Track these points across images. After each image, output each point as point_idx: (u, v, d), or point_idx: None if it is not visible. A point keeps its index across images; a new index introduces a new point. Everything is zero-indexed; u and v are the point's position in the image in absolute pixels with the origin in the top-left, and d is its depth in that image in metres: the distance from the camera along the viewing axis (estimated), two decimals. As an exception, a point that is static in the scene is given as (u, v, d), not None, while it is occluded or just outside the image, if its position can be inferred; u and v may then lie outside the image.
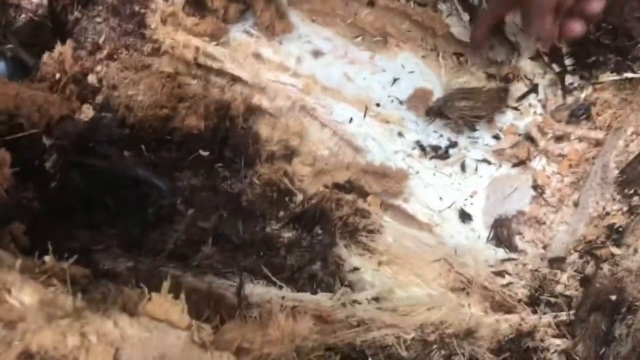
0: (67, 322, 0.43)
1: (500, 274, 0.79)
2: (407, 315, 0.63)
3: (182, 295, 0.47)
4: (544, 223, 0.83)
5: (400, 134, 0.93)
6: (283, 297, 0.66)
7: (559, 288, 0.74)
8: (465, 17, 0.94)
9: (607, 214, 0.75)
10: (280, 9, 1.00)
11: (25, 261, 0.46)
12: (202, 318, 0.50)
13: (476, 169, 0.89)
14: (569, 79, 0.88)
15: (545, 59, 0.90)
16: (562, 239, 0.80)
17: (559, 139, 0.87)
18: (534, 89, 0.89)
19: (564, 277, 0.74)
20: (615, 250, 0.71)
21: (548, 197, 0.85)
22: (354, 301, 0.69)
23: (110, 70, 0.94)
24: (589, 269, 0.72)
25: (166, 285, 0.48)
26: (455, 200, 0.87)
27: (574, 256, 0.75)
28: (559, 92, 0.88)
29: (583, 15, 0.75)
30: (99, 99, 0.94)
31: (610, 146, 0.80)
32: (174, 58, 0.95)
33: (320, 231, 0.80)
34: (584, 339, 0.66)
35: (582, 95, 0.87)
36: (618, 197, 0.75)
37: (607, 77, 0.85)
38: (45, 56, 0.94)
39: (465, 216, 0.86)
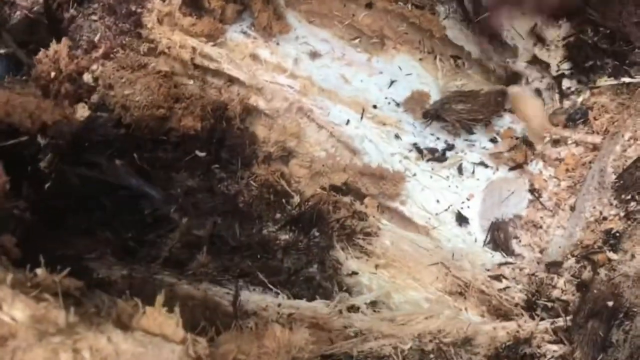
0: (60, 339, 0.42)
1: (497, 278, 0.79)
2: (405, 325, 0.63)
3: (177, 309, 0.46)
4: (541, 227, 0.84)
5: (397, 136, 0.93)
6: (279, 305, 0.66)
7: (555, 293, 0.74)
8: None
9: (605, 218, 0.75)
10: (277, 10, 0.99)
11: (16, 275, 0.45)
12: (198, 328, 0.49)
13: (473, 172, 0.89)
14: (566, 83, 0.88)
15: (543, 62, 0.89)
16: (558, 243, 0.80)
17: (556, 142, 0.87)
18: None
19: (560, 282, 0.74)
20: (612, 255, 0.71)
21: (545, 201, 0.85)
22: (352, 307, 0.69)
23: (106, 70, 0.93)
24: (586, 274, 0.72)
25: (160, 299, 0.47)
26: (452, 203, 0.87)
27: (571, 261, 0.75)
28: (556, 96, 0.88)
29: None
30: (95, 98, 0.93)
31: (607, 151, 0.80)
32: (170, 58, 0.94)
33: (317, 234, 0.80)
34: (581, 345, 0.66)
35: (580, 100, 0.87)
36: (615, 202, 0.75)
37: (605, 81, 0.85)
38: (40, 54, 0.93)
39: (462, 219, 0.86)
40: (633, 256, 0.69)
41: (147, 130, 0.89)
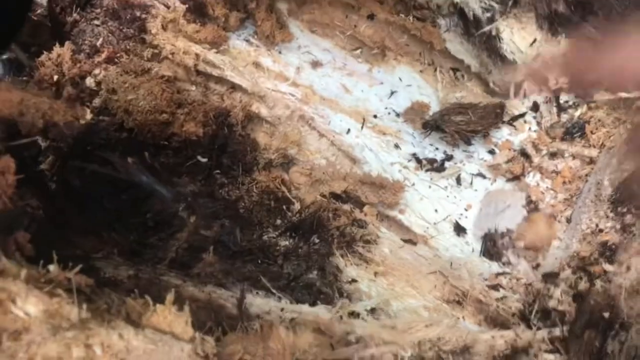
0: (72, 334, 0.42)
1: (495, 287, 0.80)
2: (405, 332, 0.63)
3: (187, 307, 0.47)
4: (537, 238, 0.85)
5: (396, 146, 0.94)
6: (282, 309, 0.67)
7: (552, 303, 0.75)
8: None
9: (600, 231, 0.76)
10: (280, 19, 1.01)
11: (30, 270, 0.46)
12: (205, 329, 0.50)
13: (471, 183, 0.90)
14: (563, 97, 0.90)
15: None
16: (555, 255, 0.81)
17: (553, 155, 0.88)
18: (533, 107, 0.91)
19: (557, 293, 0.75)
20: (608, 267, 0.73)
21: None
22: (352, 313, 0.70)
23: (109, 74, 0.94)
24: (582, 285, 0.73)
25: (170, 297, 0.48)
26: (450, 213, 0.88)
27: (567, 272, 0.76)
28: (554, 110, 0.90)
29: None
30: (97, 102, 0.94)
31: (603, 164, 0.82)
32: (174, 64, 0.95)
33: (317, 240, 0.81)
34: (577, 355, 0.67)
35: (577, 114, 0.88)
36: (611, 214, 0.76)
37: (601, 96, 0.87)
38: (43, 57, 0.94)
39: (459, 229, 0.87)
40: (628, 268, 0.71)
41: (149, 135, 0.90)
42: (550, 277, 0.78)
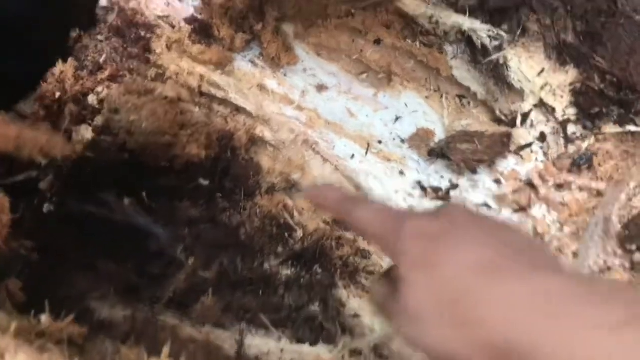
0: (62, 392, 0.41)
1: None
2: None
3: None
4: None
5: (401, 173, 0.93)
6: (282, 350, 0.65)
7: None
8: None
9: (609, 268, 0.75)
10: (286, 41, 1.00)
11: (21, 322, 0.44)
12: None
13: (476, 213, 0.89)
14: (571, 128, 0.89)
15: (549, 107, 0.90)
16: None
17: (560, 187, 0.87)
18: (540, 137, 0.90)
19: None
20: (617, 306, 0.71)
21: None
22: (355, 350, 0.68)
23: (112, 93, 0.93)
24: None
25: (166, 350, 0.46)
26: (455, 244, 0.87)
27: (575, 309, 0.75)
28: (561, 141, 0.89)
29: None
30: (99, 120, 0.93)
31: (612, 198, 0.81)
32: (178, 84, 0.94)
33: (319, 270, 0.79)
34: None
35: (585, 145, 0.87)
36: (620, 251, 0.75)
37: (610, 128, 0.86)
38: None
39: (464, 260, 0.86)
40: (638, 309, 0.69)
41: (151, 157, 0.89)
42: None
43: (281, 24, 0.99)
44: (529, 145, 0.91)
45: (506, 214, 0.89)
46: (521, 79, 0.91)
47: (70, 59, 0.95)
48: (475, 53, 0.94)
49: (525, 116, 0.92)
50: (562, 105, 0.89)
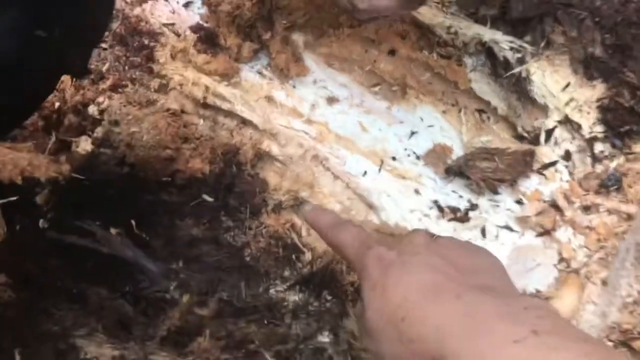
0: None
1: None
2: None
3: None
4: (569, 301, 0.78)
5: (417, 192, 0.87)
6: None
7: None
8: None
9: (645, 300, 0.70)
10: (296, 52, 0.95)
11: None
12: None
13: (497, 236, 0.84)
14: (599, 146, 0.83)
15: (574, 124, 0.85)
16: (590, 322, 0.74)
17: (586, 209, 0.82)
18: (565, 156, 0.84)
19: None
20: (654, 344, 0.66)
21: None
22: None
23: (113, 104, 0.88)
24: (625, 362, 0.66)
25: None
26: (474, 269, 0.81)
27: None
28: (588, 160, 0.83)
29: None
30: (99, 132, 0.88)
31: (644, 223, 0.75)
32: (181, 95, 0.89)
33: (329, 297, 0.74)
34: None
35: (613, 165, 0.82)
36: (655, 282, 0.69)
37: (641, 147, 0.80)
38: (45, 83, 0.88)
39: (484, 287, 0.80)
40: (679, 347, 0.64)
41: (151, 172, 0.84)
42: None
43: (290, 33, 0.95)
44: (553, 164, 0.86)
45: (529, 237, 0.83)
46: (545, 93, 0.86)
47: (70, 68, 0.90)
48: (496, 66, 0.89)
49: (549, 133, 0.86)
50: (589, 122, 0.83)
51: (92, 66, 0.95)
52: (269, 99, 0.92)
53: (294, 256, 0.78)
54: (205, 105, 0.90)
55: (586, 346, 0.38)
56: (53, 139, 0.79)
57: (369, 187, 0.87)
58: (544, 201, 0.84)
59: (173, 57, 0.91)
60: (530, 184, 0.86)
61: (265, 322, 0.69)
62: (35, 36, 0.82)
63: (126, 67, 0.94)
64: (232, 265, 0.75)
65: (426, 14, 0.92)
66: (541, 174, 0.86)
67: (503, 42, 0.86)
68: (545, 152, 0.86)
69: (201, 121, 0.89)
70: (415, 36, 0.94)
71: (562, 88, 0.85)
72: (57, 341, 0.43)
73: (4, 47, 0.68)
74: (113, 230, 0.67)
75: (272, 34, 0.93)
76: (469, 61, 0.91)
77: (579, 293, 0.77)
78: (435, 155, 0.90)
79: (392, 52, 0.95)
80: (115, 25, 0.98)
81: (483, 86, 0.91)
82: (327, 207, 0.85)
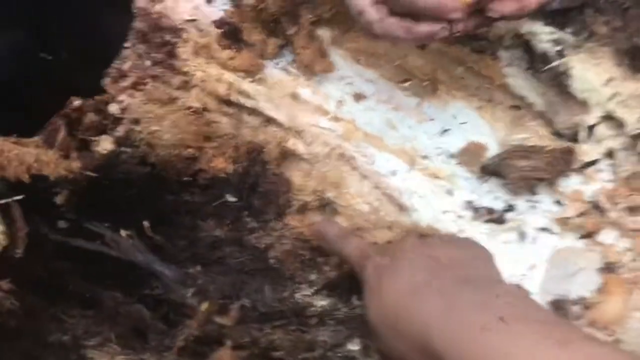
0: None
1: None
2: None
3: None
4: (615, 308, 0.73)
5: (449, 192, 0.83)
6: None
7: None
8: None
9: (700, 309, 0.64)
10: (321, 47, 0.91)
11: None
12: None
13: (536, 239, 0.79)
14: (645, 143, 0.78)
15: (618, 120, 0.80)
16: (637, 329, 0.69)
17: (632, 210, 0.77)
18: (608, 154, 0.79)
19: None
20: None
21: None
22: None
23: (133, 102, 0.86)
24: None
25: None
26: (512, 274, 0.77)
27: (660, 356, 0.64)
28: (633, 158, 0.79)
29: None
30: (120, 131, 0.86)
31: (698, 225, 0.70)
32: (204, 93, 0.87)
33: (357, 302, 0.70)
34: None
35: (661, 163, 0.77)
36: None
37: (691, 145, 0.75)
38: (66, 82, 0.87)
39: (523, 293, 0.76)
40: None
41: (173, 171, 0.81)
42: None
43: (316, 28, 0.91)
44: (595, 162, 0.81)
45: (570, 239, 0.79)
46: (586, 88, 0.81)
47: (91, 67, 0.89)
48: (534, 59, 0.84)
49: (590, 130, 0.82)
50: (634, 118, 0.78)
51: (114, 65, 0.93)
52: (294, 96, 0.88)
53: (320, 259, 0.75)
54: (229, 103, 0.87)
55: (547, 327, 0.41)
56: (62, 133, 0.76)
57: (399, 187, 0.83)
58: (586, 202, 0.80)
59: (195, 53, 0.89)
60: (571, 183, 0.81)
61: (292, 328, 0.65)
62: (40, 58, 0.81)
63: (148, 65, 0.92)
64: (256, 268, 0.72)
65: (458, 6, 0.88)
66: (582, 173, 0.82)
67: (542, 34, 0.81)
68: (586, 150, 0.82)
69: (224, 119, 0.86)
70: (447, 29, 0.90)
71: (604, 82, 0.80)
72: (66, 352, 0.40)
73: (6, 69, 0.66)
74: (124, 232, 0.63)
75: (297, 29, 0.90)
76: (504, 55, 0.87)
77: (625, 299, 0.72)
78: (469, 154, 0.86)
79: (422, 46, 0.91)
80: (137, 23, 0.96)
81: (519, 81, 0.86)
82: (354, 208, 0.82)
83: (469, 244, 0.65)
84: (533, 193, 0.81)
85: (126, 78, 0.90)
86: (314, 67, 0.90)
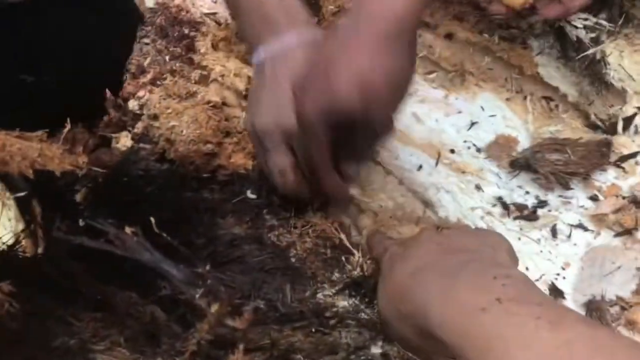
0: None
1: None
2: None
3: None
4: (655, 310, 0.69)
5: (478, 187, 0.80)
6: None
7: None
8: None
9: None
10: (344, 38, 0.89)
11: None
12: None
13: (570, 236, 0.75)
14: (688, 135, 0.74)
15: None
16: (681, 333, 0.65)
17: (674, 206, 0.72)
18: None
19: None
20: None
21: (660, 277, 0.70)
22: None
23: (152, 97, 0.84)
24: None
25: None
26: (544, 272, 0.73)
27: None
28: (675, 150, 0.74)
29: None
30: (139, 127, 0.85)
31: None
32: (223, 87, 0.85)
33: (382, 302, 0.67)
34: None
35: None
36: None
37: None
38: (85, 79, 0.86)
39: (556, 292, 0.72)
40: None
41: (192, 167, 0.80)
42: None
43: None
44: (634, 155, 0.77)
45: (606, 237, 0.75)
46: (623, 77, 0.77)
47: (111, 62, 0.87)
48: (567, 47, 0.81)
49: (627, 121, 0.78)
50: (675, 108, 0.74)
51: (134, 60, 0.92)
52: (315, 89, 0.86)
53: (343, 257, 0.72)
54: (247, 97, 0.84)
55: (539, 309, 0.42)
56: (68, 126, 0.74)
57: (425, 182, 0.80)
58: (623, 197, 0.76)
59: (214, 47, 0.87)
60: (607, 178, 0.78)
61: (313, 329, 0.63)
62: (20, 80, 0.79)
63: (167, 60, 0.91)
64: (276, 266, 0.69)
65: (486, -7, 0.84)
66: (619, 166, 0.78)
67: (575, 20, 0.78)
68: (624, 142, 0.78)
69: (244, 114, 0.84)
70: (475, 18, 0.87)
71: (642, 70, 0.76)
72: (72, 357, 0.38)
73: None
74: (128, 230, 0.61)
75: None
76: (535, 43, 0.84)
77: (667, 300, 0.68)
78: (498, 148, 0.82)
79: (448, 36, 0.88)
80: (157, 18, 0.95)
81: (551, 70, 0.83)
82: (378, 204, 0.79)
83: (486, 234, 0.64)
84: (566, 188, 0.77)
85: (146, 74, 0.89)
86: (336, 59, 0.88)
